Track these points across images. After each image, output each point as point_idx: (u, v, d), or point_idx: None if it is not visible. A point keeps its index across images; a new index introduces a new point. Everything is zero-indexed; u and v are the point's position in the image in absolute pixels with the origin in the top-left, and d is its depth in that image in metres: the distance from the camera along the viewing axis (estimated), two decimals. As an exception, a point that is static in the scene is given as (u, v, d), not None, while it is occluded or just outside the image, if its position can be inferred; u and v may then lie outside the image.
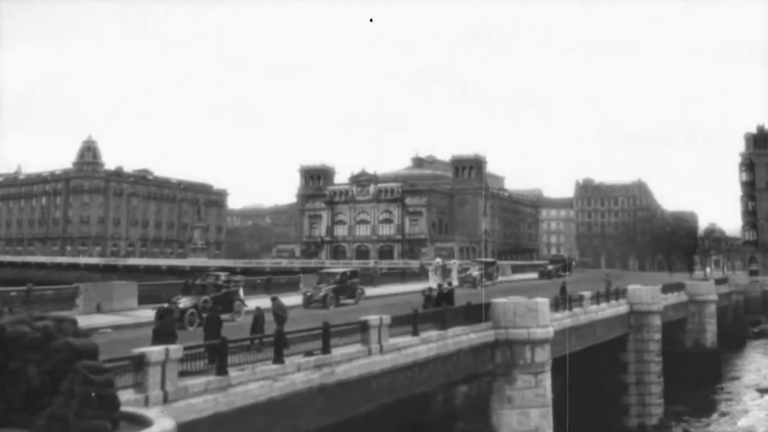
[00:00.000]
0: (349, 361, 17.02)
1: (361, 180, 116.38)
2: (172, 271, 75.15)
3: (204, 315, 22.37)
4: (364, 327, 18.01)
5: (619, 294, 32.05)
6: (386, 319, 18.37)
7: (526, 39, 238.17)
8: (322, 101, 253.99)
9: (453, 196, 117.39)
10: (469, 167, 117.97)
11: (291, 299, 32.85)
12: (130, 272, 75.36)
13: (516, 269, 52.80)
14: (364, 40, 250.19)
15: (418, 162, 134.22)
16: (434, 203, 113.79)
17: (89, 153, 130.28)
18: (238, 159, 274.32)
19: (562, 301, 27.33)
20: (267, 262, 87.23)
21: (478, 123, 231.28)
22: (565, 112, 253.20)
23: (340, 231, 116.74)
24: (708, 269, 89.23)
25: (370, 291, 38.12)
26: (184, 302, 23.95)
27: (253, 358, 14.93)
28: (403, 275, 48.54)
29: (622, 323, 31.52)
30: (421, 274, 48.81)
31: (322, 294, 32.19)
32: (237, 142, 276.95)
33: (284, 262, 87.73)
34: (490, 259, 48.09)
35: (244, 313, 25.62)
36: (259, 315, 17.75)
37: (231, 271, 79.23)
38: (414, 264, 76.83)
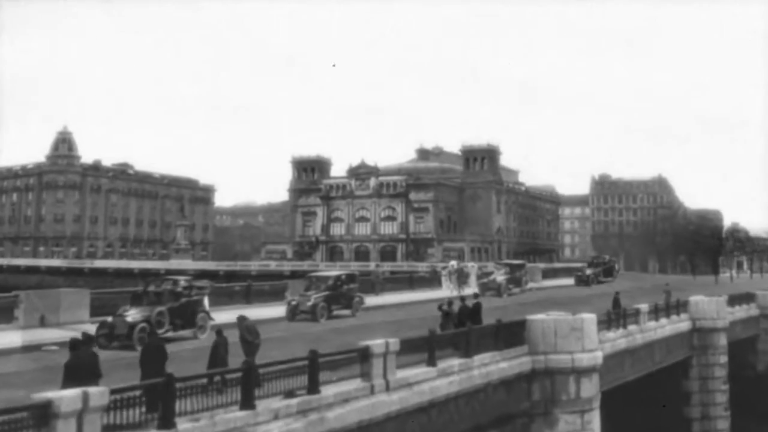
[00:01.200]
0: (345, 403, 13.64)
1: (361, 173, 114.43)
2: (147, 274, 71.74)
3: (161, 331, 20.23)
4: (364, 355, 14.51)
5: (680, 307, 28.08)
6: (394, 343, 14.99)
7: (538, 29, 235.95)
8: (319, 93, 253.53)
9: (463, 191, 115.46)
10: (481, 158, 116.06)
11: (275, 310, 29.37)
12: (99, 276, 72.44)
13: (547, 274, 48.05)
14: (364, 28, 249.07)
15: (424, 154, 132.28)
16: (442, 198, 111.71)
17: (64, 145, 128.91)
18: (228, 154, 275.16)
19: (615, 316, 23.37)
20: (253, 265, 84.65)
21: (487, 116, 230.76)
22: (579, 105, 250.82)
23: (337, 229, 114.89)
24: (733, 272, 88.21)
25: (370, 300, 34.46)
26: (132, 315, 20.88)
27: (212, 403, 11.64)
28: (411, 281, 44.71)
29: (683, 344, 27.79)
30: (433, 280, 44.87)
31: (310, 303, 28.59)
32: (227, 135, 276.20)
33: (273, 265, 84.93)
34: (517, 261, 43.61)
35: (210, 328, 22.03)
36: (219, 342, 13.94)
37: (212, 275, 77.77)
38: (421, 267, 74.57)
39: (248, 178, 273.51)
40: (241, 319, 16.01)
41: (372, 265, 77.35)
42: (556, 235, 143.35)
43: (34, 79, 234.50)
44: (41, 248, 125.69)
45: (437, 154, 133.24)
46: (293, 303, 29.38)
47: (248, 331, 15.72)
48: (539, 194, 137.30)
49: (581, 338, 20.30)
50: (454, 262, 45.72)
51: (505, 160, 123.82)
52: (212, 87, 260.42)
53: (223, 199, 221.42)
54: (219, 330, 14.83)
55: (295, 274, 60.64)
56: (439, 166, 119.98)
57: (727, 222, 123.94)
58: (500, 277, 40.43)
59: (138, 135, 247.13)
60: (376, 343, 14.81)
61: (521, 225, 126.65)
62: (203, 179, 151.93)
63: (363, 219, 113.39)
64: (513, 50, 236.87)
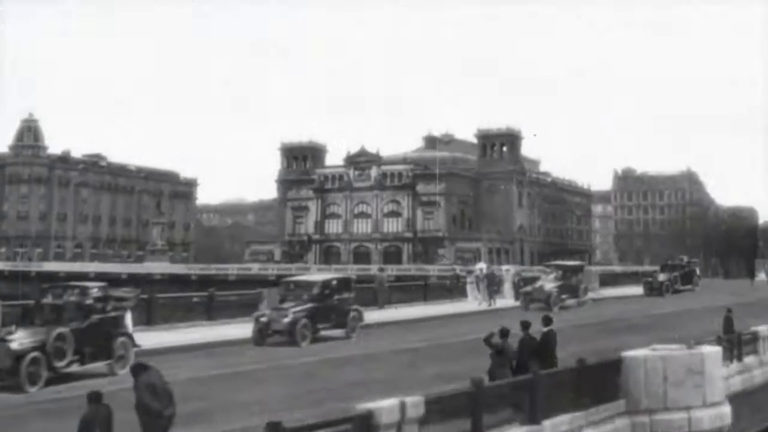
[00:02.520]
0: None
1: (360, 161, 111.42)
2: (105, 279, 65.16)
3: (62, 363, 16.16)
4: (364, 428, 9.18)
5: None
6: (414, 405, 9.79)
7: (555, 15, 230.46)
8: (314, 83, 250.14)
9: (479, 182, 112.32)
10: (500, 144, 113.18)
11: (245, 329, 23.71)
12: (48, 281, 65.20)
13: (605, 280, 40.30)
14: (363, 14, 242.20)
15: (432, 142, 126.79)
16: (455, 191, 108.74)
17: (29, 135, 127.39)
18: (216, 147, 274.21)
19: (728, 344, 17.24)
20: (232, 268, 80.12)
21: (501, 107, 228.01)
22: (599, 94, 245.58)
23: (333, 227, 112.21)
24: (762, 275, 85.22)
25: (371, 315, 28.50)
26: (20, 340, 16.15)
27: None
28: (425, 289, 38.28)
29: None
30: (453, 289, 38.43)
31: (287, 320, 22.83)
32: (214, 128, 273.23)
33: (255, 268, 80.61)
34: (572, 262, 36.24)
35: (135, 357, 16.99)
36: (92, 417, 8.78)
37: (184, 279, 73.41)
38: (432, 270, 70.89)
39: (238, 174, 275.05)
40: (138, 371, 9.57)
41: (373, 269, 73.15)
42: (589, 234, 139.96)
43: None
44: (2, 249, 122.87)
45: (447, 142, 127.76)
46: (263, 319, 23.19)
47: (152, 391, 9.29)
48: (568, 186, 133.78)
49: (702, 385, 14.75)
50: (483, 265, 39.17)
51: (524, 150, 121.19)
52: (199, 76, 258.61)
53: (210, 197, 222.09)
54: (95, 394, 9.12)
55: (281, 279, 54.87)
56: (449, 156, 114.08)
57: (763, 220, 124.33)
58: (550, 284, 33.28)
59: (116, 127, 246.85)
60: (385, 406, 9.56)
61: (547, 222, 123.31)
62: (184, 171, 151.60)
63: (363, 215, 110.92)
64: (529, 41, 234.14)
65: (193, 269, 79.58)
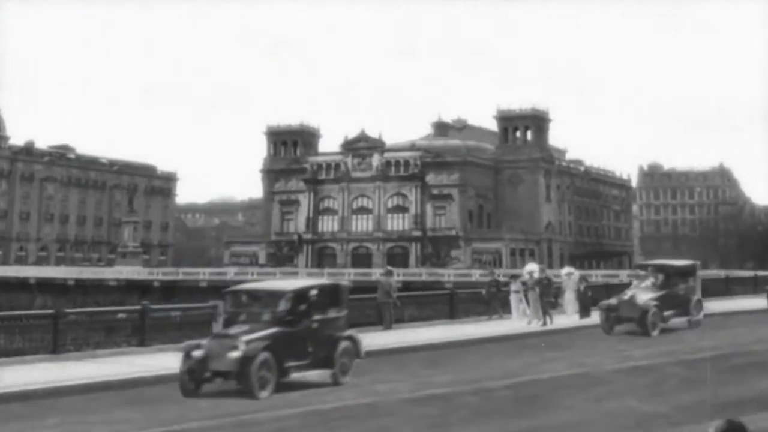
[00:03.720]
0: None
1: (360, 147, 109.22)
2: (47, 286, 60.59)
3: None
4: None
5: None
6: None
7: (580, 9, 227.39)
8: (308, 72, 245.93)
9: (499, 172, 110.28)
10: (524, 128, 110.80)
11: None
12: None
13: (709, 288, 30.71)
14: None
15: (442, 129, 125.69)
16: (471, 182, 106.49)
17: None
18: (200, 142, 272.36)
19: None
20: (204, 273, 76.45)
21: (513, 96, 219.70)
22: (622, 85, 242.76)
23: (328, 224, 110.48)
24: None
25: (375, 340, 21.03)
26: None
27: None
28: (452, 302, 29.83)
29: None
30: (491, 301, 29.96)
31: (236, 356, 15.17)
32: (200, 121, 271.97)
33: (232, 273, 76.09)
34: (682, 262, 26.48)
35: None
36: None
37: (143, 286, 68.02)
38: (444, 275, 69.17)
39: (226, 171, 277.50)
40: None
41: (376, 274, 68.63)
42: (628, 233, 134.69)
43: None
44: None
45: (460, 128, 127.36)
46: (196, 355, 15.34)
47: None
48: (603, 176, 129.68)
49: None
50: (534, 266, 30.53)
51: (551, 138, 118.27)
52: (181, 64, 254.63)
53: (196, 195, 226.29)
54: None
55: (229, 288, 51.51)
56: (462, 145, 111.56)
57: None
58: (645, 294, 23.62)
59: (88, 117, 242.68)
60: None
61: (580, 218, 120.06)
62: (163, 166, 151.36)
63: (363, 210, 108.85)
64: (550, 31, 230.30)
65: (157, 274, 76.43)
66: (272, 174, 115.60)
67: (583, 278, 30.47)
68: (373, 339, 20.89)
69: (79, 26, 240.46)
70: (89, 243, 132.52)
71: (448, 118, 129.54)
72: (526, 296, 28.50)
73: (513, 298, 29.25)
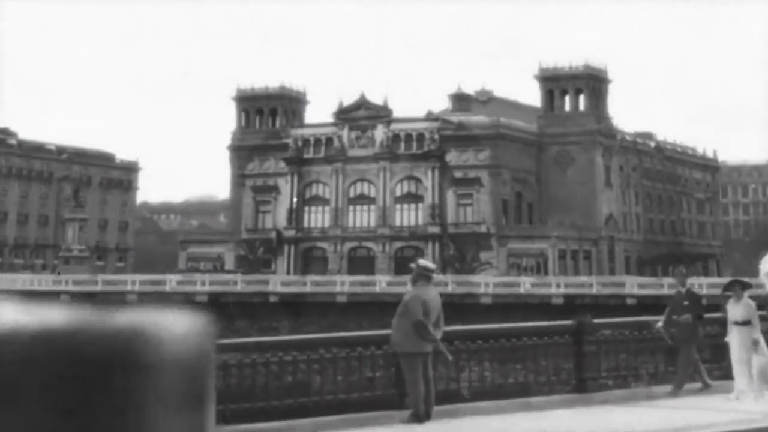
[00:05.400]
0: None
1: (359, 117, 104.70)
2: None
3: None
4: None
5: None
6: None
7: None
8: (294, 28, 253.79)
9: (543, 149, 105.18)
10: (575, 91, 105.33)
11: None
12: None
13: None
14: None
15: (463, 102, 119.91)
16: (506, 161, 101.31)
17: None
18: (177, 134, 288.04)
19: None
20: (136, 283, 69.19)
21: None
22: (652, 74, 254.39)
23: (317, 218, 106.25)
24: None
25: None
26: None
27: None
28: (579, 350, 13.90)
29: None
30: (684, 348, 14.20)
31: None
32: (174, 108, 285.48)
33: (173, 282, 68.28)
34: None
35: None
36: None
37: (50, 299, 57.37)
38: (481, 286, 63.44)
39: (204, 167, 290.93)
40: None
41: (381, 283, 63.74)
42: (715, 228, 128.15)
43: None
44: None
45: (484, 101, 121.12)
46: None
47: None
48: (682, 155, 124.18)
49: None
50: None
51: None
52: (149, 48, 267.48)
53: (171, 194, 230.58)
54: None
55: (216, 302, 56.39)
56: (487, 122, 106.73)
57: None
58: None
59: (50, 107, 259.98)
60: None
61: (651, 210, 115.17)
62: (121, 152, 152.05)
63: (363, 199, 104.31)
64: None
65: (66, 284, 68.42)
66: (243, 152, 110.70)
67: None
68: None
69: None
70: (32, 246, 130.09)
71: (470, 89, 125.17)
72: None
73: (736, 340, 13.75)
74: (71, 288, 65.64)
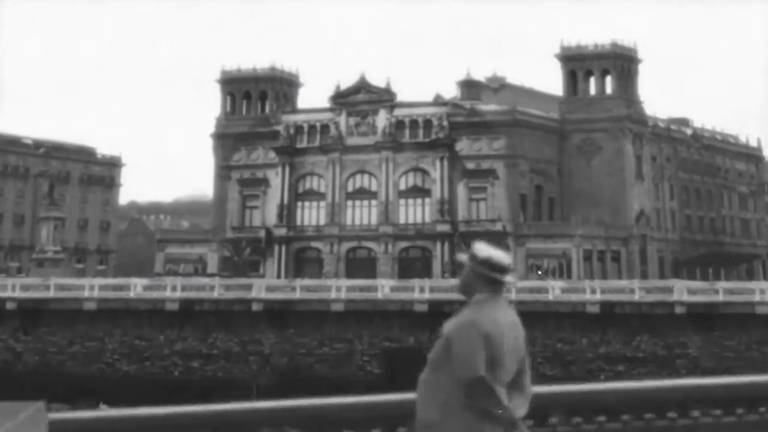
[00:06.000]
0: None
1: (358, 102, 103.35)
2: None
3: None
4: None
5: None
6: None
7: None
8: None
9: (565, 137, 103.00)
10: (601, 72, 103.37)
11: None
12: None
13: None
14: None
15: (472, 88, 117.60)
16: (524, 150, 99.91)
17: None
18: (165, 129, 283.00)
19: None
20: (91, 287, 63.87)
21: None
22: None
23: (311, 215, 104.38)
24: None
25: None
26: None
27: None
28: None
29: None
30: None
31: None
32: (162, 104, 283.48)
33: (138, 287, 63.10)
34: None
35: None
36: None
37: None
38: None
39: (196, 165, 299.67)
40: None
41: (384, 288, 60.37)
42: (760, 226, 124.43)
43: None
44: None
45: (496, 89, 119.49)
46: None
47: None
48: (722, 143, 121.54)
49: None
50: None
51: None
52: (148, 38, 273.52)
53: (161, 193, 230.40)
54: None
55: (189, 310, 55.72)
56: (500, 110, 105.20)
57: None
58: None
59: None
60: None
61: (688, 206, 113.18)
62: (103, 147, 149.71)
63: (363, 193, 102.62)
64: None
65: (13, 289, 61.81)
66: (228, 140, 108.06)
67: None
68: None
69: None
70: (6, 247, 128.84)
71: (480, 75, 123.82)
72: None
73: None
74: (18, 294, 59.85)
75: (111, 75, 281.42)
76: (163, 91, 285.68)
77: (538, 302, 54.61)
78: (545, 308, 54.29)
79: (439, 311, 52.41)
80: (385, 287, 57.95)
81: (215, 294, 57.47)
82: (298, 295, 55.49)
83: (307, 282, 63.24)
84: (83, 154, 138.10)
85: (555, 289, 55.72)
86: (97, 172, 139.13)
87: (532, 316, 53.73)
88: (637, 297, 54.65)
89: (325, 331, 54.10)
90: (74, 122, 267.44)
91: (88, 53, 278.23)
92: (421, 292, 56.34)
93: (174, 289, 58.75)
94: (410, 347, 53.17)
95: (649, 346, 53.93)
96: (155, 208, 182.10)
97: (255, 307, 55.01)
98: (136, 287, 60.32)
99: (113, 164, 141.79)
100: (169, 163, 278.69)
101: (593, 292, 55.13)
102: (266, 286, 58.64)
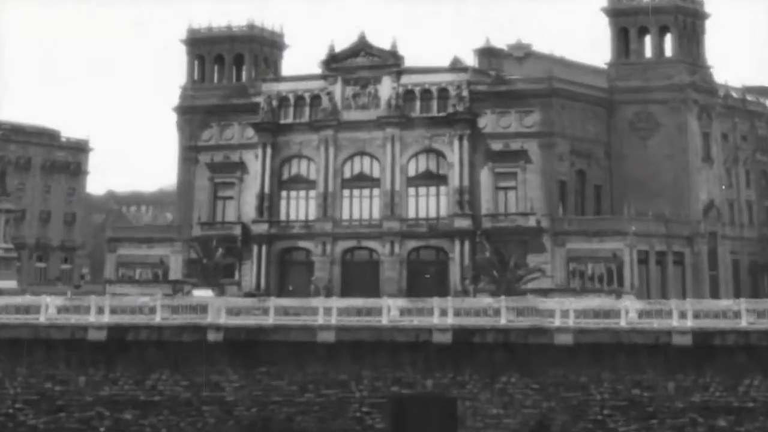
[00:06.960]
0: None
1: (357, 66, 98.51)
2: None
3: None
4: None
5: None
6: None
7: None
8: None
9: (614, 111, 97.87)
10: (659, 30, 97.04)
11: None
12: None
13: None
14: None
15: (492, 58, 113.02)
16: (562, 128, 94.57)
17: None
18: (139, 112, 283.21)
19: None
20: None
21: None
22: None
23: (299, 207, 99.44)
24: None
25: None
26: None
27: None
28: None
29: None
30: None
31: None
32: (133, 83, 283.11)
33: (51, 308, 55.40)
34: None
35: None
36: None
37: None
38: (547, 313, 55.74)
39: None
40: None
41: (392, 310, 53.64)
42: None
43: None
44: None
45: (520, 57, 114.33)
46: None
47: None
48: None
49: None
50: None
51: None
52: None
53: (142, 183, 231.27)
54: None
55: (121, 341, 50.52)
56: (533, 77, 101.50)
57: None
58: None
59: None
60: None
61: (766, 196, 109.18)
62: (69, 129, 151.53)
63: (363, 180, 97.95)
64: None
65: None
66: (196, 115, 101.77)
67: None
68: None
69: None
70: None
71: (502, 42, 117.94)
72: None
73: None
74: None
75: (73, 48, 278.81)
76: (137, 62, 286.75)
77: (606, 330, 45.48)
78: (614, 339, 46.58)
79: (467, 342, 46.78)
80: (392, 309, 48.95)
81: (157, 318, 48.29)
82: (271, 319, 46.57)
83: (284, 302, 52.88)
84: (45, 137, 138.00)
85: (629, 312, 45.74)
86: (62, 158, 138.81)
87: (596, 349, 46.46)
88: (744, 323, 45.54)
89: (309, 371, 46.98)
90: (36, 103, 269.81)
91: (41, 24, 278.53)
92: (442, 315, 48.96)
93: (100, 311, 49.19)
94: (427, 393, 47.58)
95: (761, 392, 46.06)
96: (136, 199, 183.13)
97: (212, 336, 46.66)
98: (48, 309, 50.29)
99: (80, 149, 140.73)
100: (151, 149, 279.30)
101: (682, 316, 45.20)
102: (227, 308, 48.74)
